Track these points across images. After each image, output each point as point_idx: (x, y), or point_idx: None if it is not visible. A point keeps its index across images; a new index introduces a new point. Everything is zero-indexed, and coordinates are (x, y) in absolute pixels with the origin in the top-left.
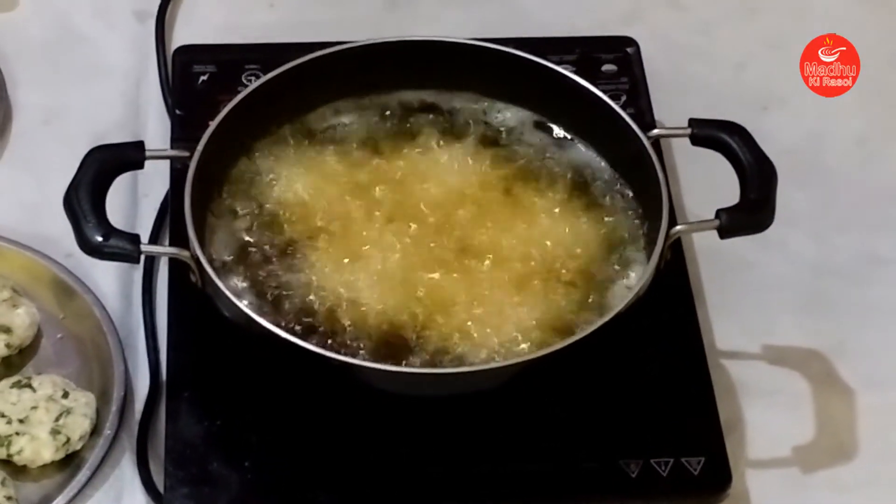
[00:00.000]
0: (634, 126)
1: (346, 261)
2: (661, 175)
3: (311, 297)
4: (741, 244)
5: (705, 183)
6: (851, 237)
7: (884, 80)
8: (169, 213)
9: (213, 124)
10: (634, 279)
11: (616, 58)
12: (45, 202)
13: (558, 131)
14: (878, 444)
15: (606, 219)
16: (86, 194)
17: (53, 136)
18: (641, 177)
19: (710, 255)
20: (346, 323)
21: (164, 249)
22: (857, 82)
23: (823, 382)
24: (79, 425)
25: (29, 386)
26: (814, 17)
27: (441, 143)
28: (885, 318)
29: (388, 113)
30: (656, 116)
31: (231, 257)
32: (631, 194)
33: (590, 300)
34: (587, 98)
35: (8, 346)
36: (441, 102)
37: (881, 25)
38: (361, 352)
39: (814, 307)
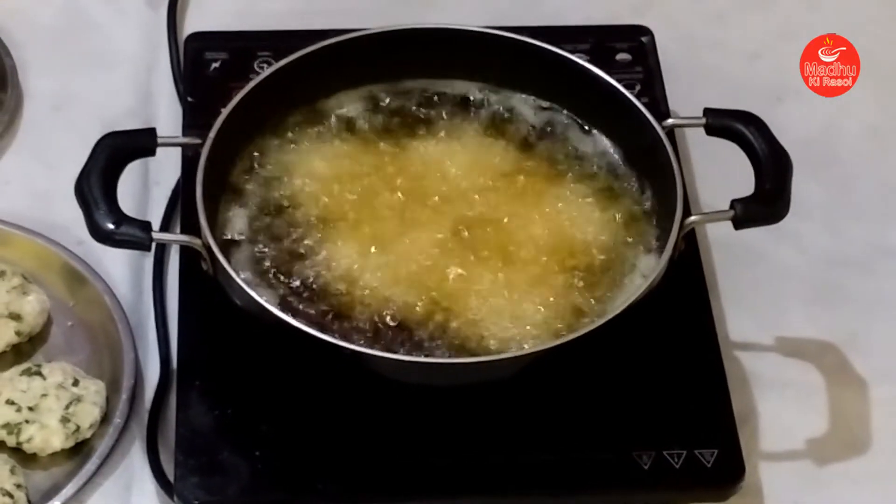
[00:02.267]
0: (649, 115)
1: (359, 250)
2: (675, 165)
3: (324, 285)
4: (754, 236)
5: (718, 174)
6: (865, 229)
7: None
8: (180, 201)
9: (224, 111)
10: (648, 270)
11: (630, 47)
12: (55, 189)
13: (572, 121)
14: (891, 437)
15: (620, 209)
16: (97, 181)
17: (64, 123)
18: (656, 166)
19: (724, 247)
20: (359, 312)
21: (176, 237)
22: (871, 73)
23: (837, 374)
24: (89, 413)
25: (39, 374)
26: (828, 8)
27: (454, 132)
28: None
29: (402, 101)
30: (670, 106)
31: (243, 245)
32: (645, 184)
33: (603, 290)
34: (601, 87)
35: (18, 333)
36: (455, 91)
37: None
38: (373, 341)
39: (827, 299)
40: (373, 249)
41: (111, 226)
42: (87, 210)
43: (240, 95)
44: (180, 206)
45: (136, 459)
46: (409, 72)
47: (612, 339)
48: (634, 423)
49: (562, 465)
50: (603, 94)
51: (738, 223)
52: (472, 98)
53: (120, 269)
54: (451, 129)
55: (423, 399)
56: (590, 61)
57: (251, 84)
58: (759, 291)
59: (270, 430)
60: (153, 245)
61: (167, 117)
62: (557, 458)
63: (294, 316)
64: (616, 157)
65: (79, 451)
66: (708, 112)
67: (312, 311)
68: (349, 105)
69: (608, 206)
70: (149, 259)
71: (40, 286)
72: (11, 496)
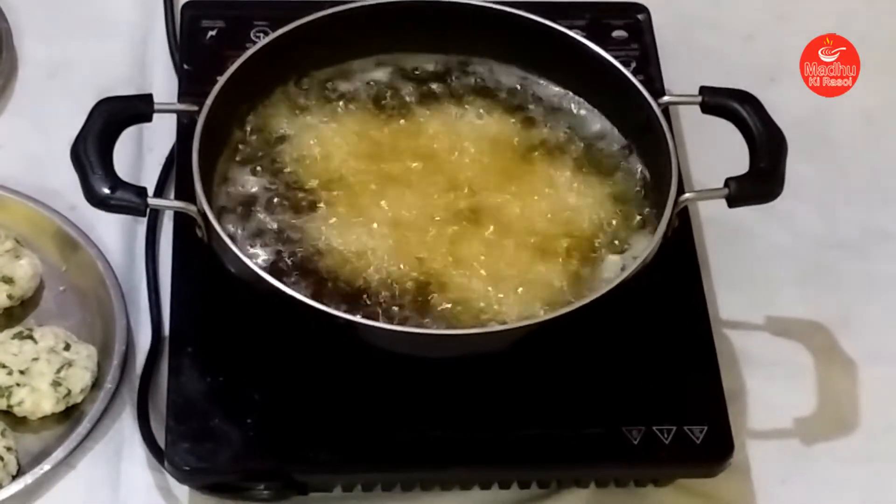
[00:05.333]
0: (645, 92)
1: (353, 220)
2: (670, 142)
3: (318, 254)
4: (746, 215)
5: (711, 153)
6: (857, 210)
7: (894, 54)
8: (175, 168)
9: (221, 79)
10: (641, 246)
11: (626, 24)
12: (49, 154)
13: (568, 97)
14: (878, 418)
15: (614, 185)
16: (93, 146)
17: (59, 88)
18: (650, 144)
19: (716, 226)
20: (353, 281)
21: (171, 203)
22: (866, 57)
23: (826, 355)
24: (80, 378)
25: (30, 337)
26: None
27: (450, 105)
28: (889, 291)
29: (398, 74)
30: (665, 85)
31: (237, 213)
32: (639, 161)
33: (596, 266)
34: (598, 63)
35: (10, 296)
36: (451, 65)
37: None
38: (367, 311)
39: (818, 280)
40: (369, 220)
41: (107, 190)
42: (82, 174)
43: (237, 64)
44: (175, 172)
45: (126, 425)
46: (406, 45)
47: (605, 314)
48: (625, 399)
49: (552, 439)
50: (599, 71)
51: (732, 201)
52: (468, 72)
53: (113, 234)
54: (447, 103)
55: (415, 370)
56: (586, 37)
57: (248, 53)
58: (750, 271)
59: (262, 397)
60: (147, 211)
61: (162, 85)
62: (548, 431)
63: (288, 284)
64: (611, 133)
65: (69, 415)
66: (704, 90)
67: (307, 280)
68: (345, 75)
69: (603, 182)
70: (141, 225)
71: (33, 250)
72: (1, 459)
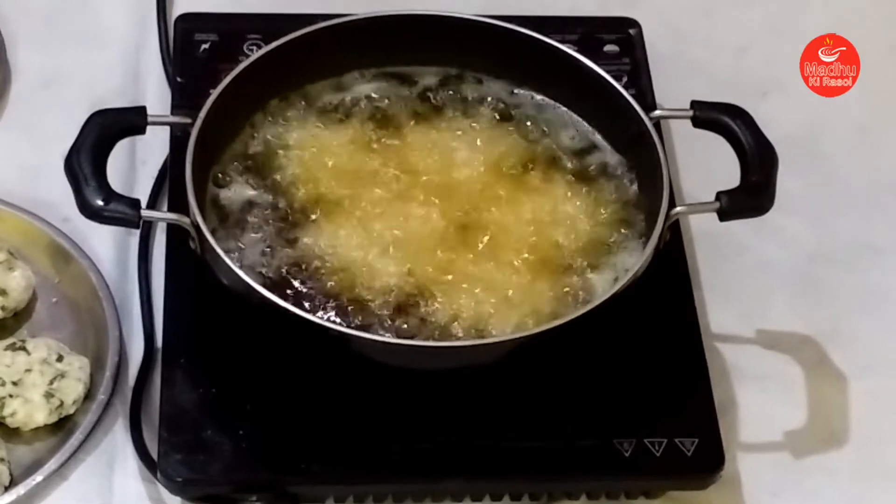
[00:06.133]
0: (637, 106)
1: (345, 232)
2: (661, 156)
3: (311, 266)
4: (738, 229)
5: (703, 167)
6: (848, 224)
7: (885, 68)
8: (168, 180)
9: (215, 92)
10: (633, 260)
11: (618, 39)
12: (42, 166)
13: (560, 110)
14: (869, 431)
15: (606, 199)
16: (87, 158)
17: (52, 100)
18: (642, 157)
19: (707, 240)
20: (347, 294)
21: (165, 215)
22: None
23: (817, 368)
24: (73, 389)
25: (23, 349)
26: (815, 4)
27: (442, 120)
28: (880, 305)
29: (391, 88)
30: (656, 99)
31: (230, 225)
32: (631, 175)
33: (588, 279)
34: (589, 77)
35: (3, 308)
36: (444, 79)
37: (884, 12)
38: (360, 323)
39: (809, 293)
40: (362, 233)
41: (100, 202)
42: (76, 186)
43: (230, 77)
44: (168, 185)
45: (119, 436)
46: (397, 58)
47: (597, 327)
48: (616, 411)
49: (544, 451)
50: (591, 84)
51: (724, 215)
52: (461, 86)
53: (105, 246)
54: (439, 117)
55: (408, 382)
56: (578, 52)
57: (241, 66)
58: (741, 284)
59: (255, 409)
60: (141, 223)
61: (155, 97)
62: (540, 443)
63: (281, 296)
64: (603, 147)
65: (62, 426)
66: (695, 104)
67: (299, 292)
68: (339, 89)
69: (594, 195)
70: (134, 237)
71: (26, 262)
72: None
